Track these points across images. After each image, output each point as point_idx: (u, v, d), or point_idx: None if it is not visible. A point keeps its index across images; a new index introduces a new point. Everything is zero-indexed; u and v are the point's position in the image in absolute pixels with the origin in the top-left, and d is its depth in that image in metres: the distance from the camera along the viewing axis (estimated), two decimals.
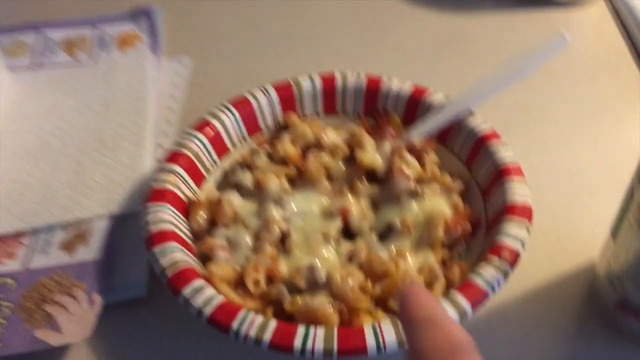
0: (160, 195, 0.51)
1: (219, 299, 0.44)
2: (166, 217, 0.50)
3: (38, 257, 0.54)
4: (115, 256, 0.54)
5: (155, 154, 0.63)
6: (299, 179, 0.55)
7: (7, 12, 0.83)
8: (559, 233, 0.56)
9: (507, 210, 0.49)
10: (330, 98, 0.61)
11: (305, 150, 0.58)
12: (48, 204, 0.58)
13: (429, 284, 0.48)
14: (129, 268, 0.53)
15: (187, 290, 0.44)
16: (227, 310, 0.43)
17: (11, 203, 0.58)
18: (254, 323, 0.42)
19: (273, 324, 0.42)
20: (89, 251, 0.54)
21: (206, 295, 0.44)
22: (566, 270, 0.53)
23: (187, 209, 0.53)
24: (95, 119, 0.66)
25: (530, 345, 0.49)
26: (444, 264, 0.50)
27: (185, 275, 0.45)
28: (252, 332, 0.42)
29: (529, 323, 0.50)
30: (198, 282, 0.45)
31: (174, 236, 0.48)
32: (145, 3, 0.81)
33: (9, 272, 0.53)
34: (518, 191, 0.50)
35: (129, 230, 0.56)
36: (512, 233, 0.47)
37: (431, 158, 0.55)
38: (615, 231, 0.47)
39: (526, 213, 0.48)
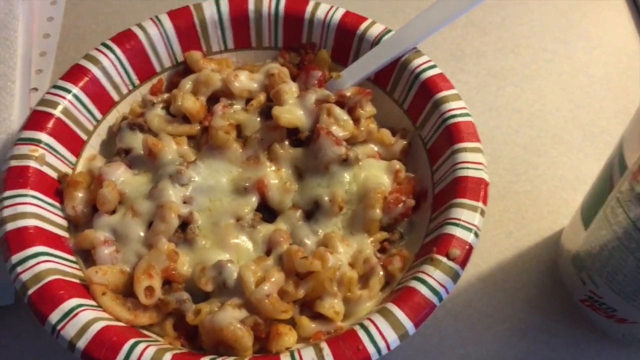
0: (19, 177, 0.40)
1: (98, 325, 0.34)
2: (28, 208, 0.38)
3: None
4: None
5: (29, 100, 0.50)
6: (204, 140, 0.45)
7: None
8: (518, 197, 0.48)
9: (458, 186, 0.39)
10: (242, 28, 0.48)
11: (212, 99, 0.46)
12: None
13: (365, 279, 0.40)
14: None
15: (54, 315, 0.34)
16: (108, 342, 0.34)
17: None
18: (143, 358, 0.33)
19: (167, 358, 0.34)
20: None
21: (80, 321, 0.34)
22: (525, 248, 0.46)
23: (59, 189, 0.42)
24: None
25: (482, 342, 0.42)
26: (383, 249, 0.42)
27: (52, 293, 0.35)
28: None
29: (481, 315, 0.43)
30: (70, 302, 0.35)
31: (38, 235, 0.38)
32: None
33: None
34: (471, 160, 0.40)
35: None
36: (463, 219, 0.38)
37: (367, 111, 0.45)
38: (586, 218, 0.39)
39: (480, 191, 0.39)
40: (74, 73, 0.44)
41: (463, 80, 0.53)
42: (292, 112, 0.44)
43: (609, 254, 0.36)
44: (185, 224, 0.41)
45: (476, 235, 0.38)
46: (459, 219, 0.38)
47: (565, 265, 0.42)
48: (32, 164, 0.40)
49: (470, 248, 0.37)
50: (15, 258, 0.36)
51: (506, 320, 0.43)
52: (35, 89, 0.51)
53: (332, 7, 0.48)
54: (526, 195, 0.48)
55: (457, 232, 0.37)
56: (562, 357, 0.41)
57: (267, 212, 0.43)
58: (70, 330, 0.34)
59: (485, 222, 0.40)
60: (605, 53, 0.56)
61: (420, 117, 0.45)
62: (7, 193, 0.39)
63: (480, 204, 0.38)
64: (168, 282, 0.39)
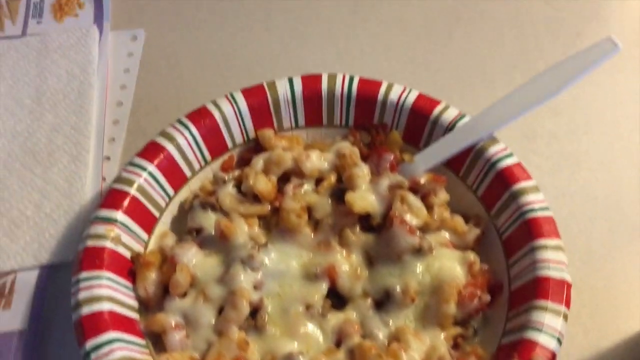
0: (95, 258, 0.40)
1: None
2: (103, 291, 0.39)
3: None
4: (45, 325, 0.43)
5: (101, 169, 0.51)
6: (274, 221, 0.44)
7: None
8: (594, 292, 0.46)
9: (539, 287, 0.38)
10: (314, 107, 0.49)
11: (283, 178, 0.46)
12: None
13: None
14: (61, 346, 0.42)
15: None
16: None
17: None
18: None
19: None
20: (12, 318, 0.43)
21: None
22: (605, 349, 0.43)
23: (132, 268, 0.42)
24: (24, 118, 0.53)
25: None
26: (456, 345, 0.40)
27: None
28: None
29: None
30: None
31: (112, 320, 0.38)
32: None
33: None
34: (553, 260, 0.39)
35: (62, 288, 0.44)
36: (546, 324, 0.36)
37: (440, 199, 0.44)
38: None
39: (563, 294, 0.38)
40: (150, 150, 0.45)
41: (535, 163, 0.51)
42: (365, 198, 0.43)
43: None
44: (255, 310, 0.40)
45: (559, 341, 0.36)
46: (542, 323, 0.36)
47: None
48: (108, 244, 0.40)
49: (554, 356, 0.36)
50: (90, 345, 0.36)
51: None
52: (108, 158, 0.51)
53: (405, 89, 0.48)
54: (604, 290, 0.46)
55: (540, 338, 0.36)
56: None
57: (336, 298, 0.42)
58: None
59: None
60: None
61: (495, 206, 0.44)
62: (83, 274, 0.39)
63: (563, 308, 0.37)
64: None
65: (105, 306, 0.38)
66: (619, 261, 0.47)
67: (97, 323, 0.37)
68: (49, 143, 0.51)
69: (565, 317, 0.37)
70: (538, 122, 0.54)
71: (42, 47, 0.57)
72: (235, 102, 0.47)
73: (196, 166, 0.47)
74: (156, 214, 0.45)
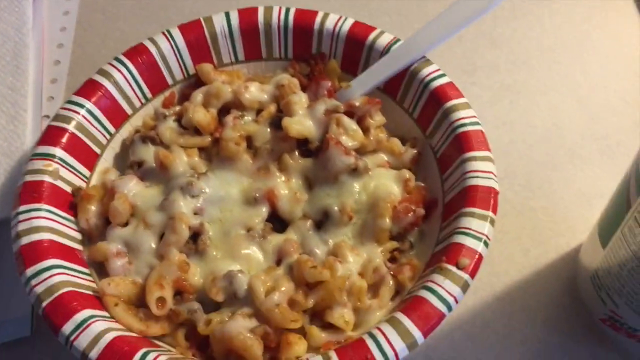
0: (33, 191, 0.40)
1: (110, 335, 0.35)
2: (42, 222, 0.39)
3: None
4: None
5: (41, 128, 0.51)
6: (215, 151, 0.45)
7: None
8: (534, 213, 0.47)
9: (467, 195, 0.39)
10: (252, 39, 0.49)
11: (224, 110, 0.47)
12: None
13: (375, 288, 0.40)
14: (8, 299, 0.43)
15: (67, 327, 0.35)
16: (119, 352, 0.34)
17: None
18: None
19: None
20: None
21: (92, 331, 0.35)
22: (543, 265, 0.45)
23: (73, 202, 0.42)
24: None
25: None
26: (393, 258, 0.42)
27: (65, 305, 0.36)
28: None
29: (498, 336, 0.42)
30: (82, 313, 0.36)
31: (52, 248, 0.38)
32: None
33: None
34: (481, 169, 0.40)
35: (7, 244, 0.45)
36: (473, 228, 0.38)
37: (376, 121, 0.45)
38: (604, 237, 0.38)
39: (490, 200, 0.39)
40: (88, 88, 0.45)
41: (475, 94, 0.52)
42: (302, 122, 0.44)
43: (628, 273, 0.35)
44: (196, 235, 0.41)
45: (486, 244, 0.37)
46: (469, 228, 0.38)
47: (585, 284, 0.41)
48: (47, 178, 0.41)
49: (480, 257, 0.37)
50: (30, 271, 0.37)
51: (526, 341, 0.42)
52: (47, 116, 0.52)
53: (340, 17, 0.48)
54: (542, 211, 0.47)
55: (467, 241, 0.37)
56: None
57: (278, 222, 0.43)
58: (82, 341, 0.34)
59: (501, 240, 0.39)
60: (621, 66, 0.55)
61: (430, 126, 0.45)
62: (22, 208, 0.39)
63: (490, 213, 0.38)
64: (179, 293, 0.39)
65: (45, 236, 0.39)
66: (557, 183, 0.49)
67: (36, 251, 0.38)
68: None
69: (492, 221, 0.38)
70: (478, 55, 0.55)
71: None
72: (172, 38, 0.47)
73: (136, 103, 0.47)
74: (97, 150, 0.45)
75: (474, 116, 0.43)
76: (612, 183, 0.39)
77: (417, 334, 0.34)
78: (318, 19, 0.48)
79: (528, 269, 0.45)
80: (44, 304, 0.36)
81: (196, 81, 0.49)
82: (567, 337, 0.42)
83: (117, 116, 0.46)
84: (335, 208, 0.42)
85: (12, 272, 0.43)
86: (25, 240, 0.38)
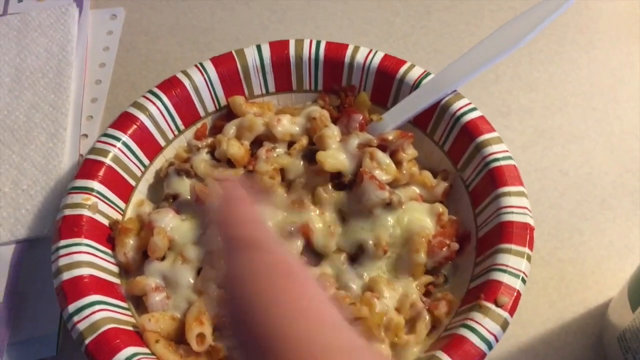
0: (73, 226, 0.41)
1: None
2: (83, 257, 0.40)
3: None
4: (21, 300, 0.44)
5: (78, 147, 0.51)
6: (250, 184, 0.45)
7: None
8: (562, 264, 0.47)
9: (503, 231, 0.40)
10: (283, 72, 0.49)
11: (256, 142, 0.47)
12: None
13: (411, 323, 0.40)
14: (37, 317, 0.43)
15: None
16: None
17: None
18: None
19: None
20: None
21: None
22: (569, 319, 0.44)
23: (111, 235, 0.43)
24: (4, 96, 0.54)
25: None
26: (427, 292, 0.42)
27: (108, 342, 0.36)
28: None
29: None
30: (125, 352, 0.36)
31: (93, 284, 0.39)
32: None
33: None
34: (516, 205, 0.41)
35: (38, 262, 0.46)
36: (511, 265, 0.38)
37: (408, 155, 0.46)
38: (634, 298, 0.38)
39: (526, 237, 0.39)
40: (123, 121, 0.45)
41: (508, 138, 0.51)
42: (336, 156, 0.44)
43: None
44: None
45: (523, 281, 0.38)
46: (506, 265, 0.38)
47: (611, 343, 0.41)
48: (86, 212, 0.41)
49: (519, 295, 0.37)
50: (72, 307, 0.37)
51: None
52: (85, 135, 0.52)
53: (371, 51, 0.49)
54: (571, 263, 0.47)
55: (505, 278, 0.38)
56: None
57: (312, 255, 0.44)
58: None
59: (528, 290, 0.38)
60: None
61: (461, 160, 0.45)
62: (62, 242, 0.40)
63: (527, 250, 0.39)
64: (218, 329, 0.40)
65: (86, 271, 0.39)
66: (587, 234, 0.48)
67: (78, 287, 0.38)
68: (27, 121, 0.52)
69: (529, 258, 0.39)
70: (513, 98, 0.55)
71: (22, 25, 0.57)
72: (205, 71, 0.48)
73: (170, 135, 0.48)
74: (132, 183, 0.45)
75: (507, 151, 0.43)
76: None
77: None
78: (349, 52, 0.49)
79: (553, 321, 0.45)
80: (87, 341, 0.36)
81: (228, 112, 0.50)
82: None
83: (151, 148, 0.47)
84: (370, 242, 0.42)
85: (40, 291, 0.44)
86: (66, 275, 0.38)
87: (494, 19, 0.59)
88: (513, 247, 0.39)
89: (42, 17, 0.58)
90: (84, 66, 0.56)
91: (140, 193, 0.46)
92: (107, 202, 0.43)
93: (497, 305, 0.37)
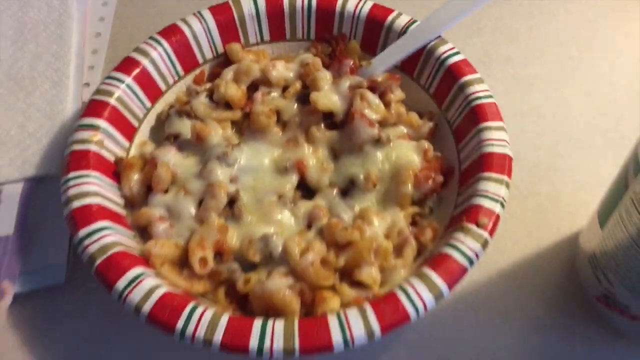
0: (81, 159, 0.43)
1: (160, 291, 0.38)
2: (91, 187, 0.42)
3: None
4: (30, 232, 0.47)
5: (81, 94, 0.54)
6: (246, 125, 0.48)
7: None
8: (539, 198, 0.50)
9: (483, 162, 0.43)
10: (277, 21, 0.52)
11: (252, 87, 0.50)
12: None
13: (399, 249, 0.43)
14: (46, 248, 0.46)
15: (121, 283, 0.38)
16: (170, 306, 0.37)
17: None
18: (202, 320, 0.37)
19: (224, 320, 0.37)
20: (0, 224, 0.47)
21: (144, 287, 0.38)
22: (544, 247, 0.48)
23: (116, 171, 0.45)
24: (7, 47, 0.56)
25: (500, 335, 0.44)
26: (414, 222, 0.45)
27: (117, 263, 0.39)
28: (201, 332, 0.36)
29: (500, 310, 0.45)
30: (134, 271, 0.39)
31: (101, 212, 0.41)
32: None
33: None
34: (495, 138, 0.44)
35: (46, 198, 0.48)
36: (491, 191, 0.41)
37: (396, 96, 0.48)
38: (602, 218, 0.41)
39: (505, 166, 0.42)
40: (127, 65, 0.48)
41: (489, 85, 0.54)
42: (328, 97, 0.47)
43: (623, 253, 0.38)
44: (231, 202, 0.44)
45: (502, 205, 0.41)
46: (487, 191, 0.41)
47: (582, 264, 0.44)
48: (93, 147, 0.44)
49: (498, 217, 0.40)
50: (82, 232, 0.40)
51: (524, 316, 0.45)
52: (87, 84, 0.55)
53: (360, 0, 0.51)
54: (547, 196, 0.50)
55: (485, 203, 0.41)
56: (577, 353, 0.43)
57: (306, 190, 0.46)
58: (135, 296, 0.38)
59: (507, 221, 0.42)
60: (628, 62, 0.58)
61: (445, 101, 0.48)
62: (72, 174, 0.42)
63: (505, 177, 0.42)
64: (218, 254, 0.43)
65: (94, 200, 0.42)
66: (562, 171, 0.52)
67: (88, 214, 0.41)
68: (31, 70, 0.54)
69: (507, 185, 0.42)
70: (494, 49, 0.58)
71: None
72: (204, 19, 0.50)
73: (170, 80, 0.50)
74: (135, 123, 0.48)
75: (488, 90, 0.46)
76: (614, 173, 0.42)
77: (443, 286, 0.38)
78: (340, 1, 0.51)
79: (530, 249, 0.48)
80: (97, 262, 0.39)
81: (225, 60, 0.52)
82: (564, 314, 0.45)
83: (153, 92, 0.49)
84: (361, 176, 0.45)
85: (48, 223, 0.47)
86: (76, 203, 0.41)
87: None
88: (493, 174, 0.42)
89: None
90: (84, 20, 0.58)
91: (143, 134, 0.49)
92: (112, 139, 0.46)
93: (478, 226, 0.40)
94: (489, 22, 0.54)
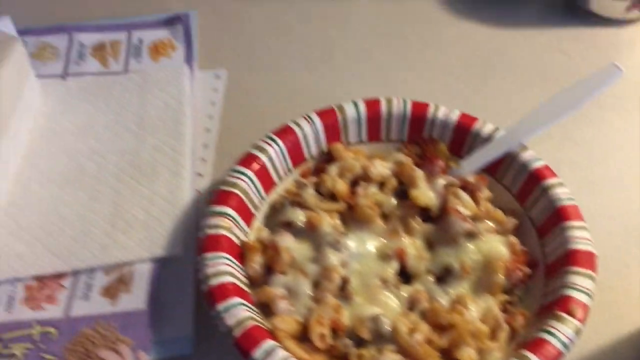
0: (215, 242, 0.50)
1: None
2: (225, 268, 0.48)
3: (79, 303, 0.53)
4: (160, 307, 0.52)
5: (194, 184, 0.61)
6: (349, 215, 0.54)
7: (36, 13, 0.78)
8: (612, 292, 0.54)
9: (570, 257, 0.48)
10: (375, 125, 0.59)
11: (353, 182, 0.57)
12: (88, 243, 0.56)
13: (493, 333, 0.48)
14: (174, 321, 0.51)
15: (258, 353, 0.43)
16: None
17: (50, 239, 0.56)
18: None
19: None
20: (133, 300, 0.52)
21: (278, 358, 0.43)
22: (616, 339, 0.52)
23: (241, 253, 0.52)
24: (131, 140, 0.63)
25: None
26: (505, 309, 0.50)
27: (253, 336, 0.44)
28: None
29: None
30: (268, 344, 0.44)
31: (235, 290, 0.47)
32: (179, 7, 0.78)
33: (51, 320, 0.51)
34: (580, 237, 0.49)
35: (171, 276, 0.54)
36: (579, 284, 0.47)
37: (484, 194, 0.55)
38: None
39: (590, 262, 0.48)
40: (248, 160, 0.55)
41: None
42: (426, 194, 0.54)
43: None
44: (342, 285, 0.50)
45: (590, 297, 0.46)
46: (575, 284, 0.47)
47: None
48: (223, 232, 0.50)
49: (587, 307, 0.46)
50: (220, 307, 0.46)
51: None
52: (200, 174, 0.62)
53: (449, 110, 0.59)
54: (612, 290, 0.54)
55: (575, 294, 0.46)
56: None
57: (404, 275, 0.52)
58: None
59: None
60: None
61: (528, 201, 0.54)
62: (208, 255, 0.49)
63: (592, 273, 0.47)
64: (333, 331, 0.48)
65: (228, 279, 0.48)
66: (630, 267, 0.56)
67: (224, 291, 0.46)
68: (152, 161, 0.61)
69: (593, 279, 0.47)
70: (561, 153, 0.64)
71: (143, 82, 0.68)
72: (313, 122, 0.58)
73: (282, 174, 0.57)
74: (254, 211, 0.55)
75: (569, 193, 0.52)
76: None
77: None
78: (431, 109, 0.59)
79: (608, 336, 0.52)
80: (236, 333, 0.44)
81: (327, 157, 0.59)
82: None
83: (268, 184, 0.56)
84: (456, 265, 0.51)
85: (175, 299, 0.53)
86: (213, 281, 0.47)
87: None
88: (580, 269, 0.47)
89: (160, 75, 0.69)
90: (196, 117, 0.66)
91: (258, 221, 0.55)
92: (237, 225, 0.52)
93: (570, 315, 0.45)
94: (556, 129, 0.60)
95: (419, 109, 0.59)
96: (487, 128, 0.57)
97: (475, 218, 0.53)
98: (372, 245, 0.53)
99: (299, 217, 0.54)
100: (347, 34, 0.77)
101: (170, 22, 0.76)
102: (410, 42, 0.75)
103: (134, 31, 0.75)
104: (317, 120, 0.58)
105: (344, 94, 0.69)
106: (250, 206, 0.54)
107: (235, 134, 0.66)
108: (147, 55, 0.71)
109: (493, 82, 0.71)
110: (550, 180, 0.53)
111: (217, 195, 0.53)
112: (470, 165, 0.56)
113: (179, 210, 0.58)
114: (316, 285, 0.50)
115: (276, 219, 0.55)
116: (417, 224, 0.53)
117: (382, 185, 0.56)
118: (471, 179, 0.55)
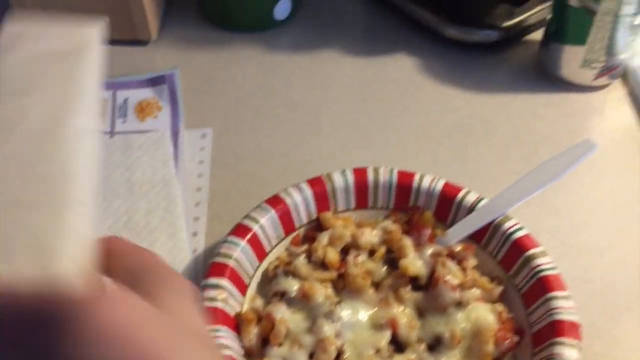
0: (213, 315, 0.50)
1: None
2: (223, 341, 0.49)
3: None
4: None
5: (190, 243, 0.61)
6: (341, 284, 0.56)
7: None
8: (598, 357, 0.55)
9: (555, 328, 0.50)
10: (363, 193, 0.61)
11: (343, 250, 0.58)
12: None
13: None
14: None
15: None
16: None
17: None
18: None
19: None
20: None
21: None
22: None
23: (237, 324, 0.52)
24: (122, 204, 0.64)
25: None
26: None
27: None
28: None
29: None
30: None
31: None
32: (162, 67, 0.79)
33: None
34: (564, 307, 0.52)
35: None
36: (566, 354, 0.49)
37: (471, 263, 0.57)
38: None
39: (575, 331, 0.50)
40: (241, 230, 0.56)
41: None
42: (415, 264, 0.55)
43: None
44: (337, 354, 0.51)
45: None
46: (562, 355, 0.49)
47: None
48: (219, 305, 0.51)
49: None
50: None
51: None
52: (195, 234, 0.62)
53: (434, 178, 0.61)
54: (603, 355, 0.56)
55: None
56: None
57: (396, 344, 0.53)
58: None
59: None
60: None
61: (512, 268, 0.56)
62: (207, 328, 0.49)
63: (577, 342, 0.49)
64: None
65: (226, 352, 0.48)
66: (613, 332, 0.58)
67: None
68: (147, 224, 0.62)
69: (580, 349, 0.49)
70: (542, 220, 0.66)
71: (126, 146, 0.69)
72: (303, 191, 0.59)
73: (274, 242, 0.58)
74: (247, 281, 0.55)
75: (551, 262, 0.55)
76: None
77: None
78: (416, 178, 0.61)
79: None
80: None
81: (316, 224, 0.60)
82: None
83: (261, 252, 0.57)
84: (446, 334, 0.52)
85: None
86: None
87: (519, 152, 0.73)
88: (566, 340, 0.49)
89: (142, 139, 0.70)
90: (186, 176, 0.67)
91: (252, 290, 0.56)
92: (232, 296, 0.53)
93: None
94: (537, 197, 0.62)
95: (405, 178, 0.61)
96: (470, 197, 0.60)
97: (462, 286, 0.55)
98: (364, 314, 0.54)
99: (293, 286, 0.55)
100: (330, 98, 0.79)
101: (154, 81, 0.77)
102: (391, 107, 0.78)
103: (119, 91, 0.76)
104: (307, 190, 0.59)
105: (329, 156, 0.72)
106: (244, 276, 0.55)
107: (226, 193, 0.67)
108: (133, 115, 0.72)
109: (473, 147, 0.74)
110: (533, 250, 0.56)
111: (212, 267, 0.53)
112: (456, 234, 0.59)
113: (179, 270, 0.59)
114: (311, 355, 0.51)
115: (270, 288, 0.56)
116: (407, 292, 0.55)
117: (371, 253, 0.58)
118: (458, 247, 0.57)
